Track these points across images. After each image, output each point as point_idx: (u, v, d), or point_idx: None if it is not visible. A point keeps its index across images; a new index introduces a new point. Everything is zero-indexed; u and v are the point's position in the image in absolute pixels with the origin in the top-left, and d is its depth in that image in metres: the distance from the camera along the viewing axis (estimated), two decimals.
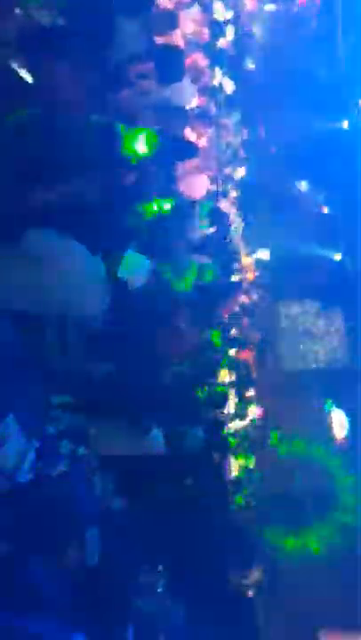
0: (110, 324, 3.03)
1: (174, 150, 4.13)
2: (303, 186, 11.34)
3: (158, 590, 4.20)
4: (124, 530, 3.92)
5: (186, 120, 4.78)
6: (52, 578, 3.16)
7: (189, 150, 4.54)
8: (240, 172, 8.38)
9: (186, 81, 4.67)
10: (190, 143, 4.82)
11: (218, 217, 5.67)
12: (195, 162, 5.07)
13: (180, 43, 4.92)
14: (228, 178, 8.05)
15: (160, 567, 4.26)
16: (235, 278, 6.98)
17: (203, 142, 5.80)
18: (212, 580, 4.89)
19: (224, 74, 7.44)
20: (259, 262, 9.16)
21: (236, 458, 6.60)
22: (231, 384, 7.17)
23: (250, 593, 5.66)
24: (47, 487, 3.04)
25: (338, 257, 9.90)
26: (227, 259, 6.72)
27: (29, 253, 2.79)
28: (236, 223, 8.14)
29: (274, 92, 10.22)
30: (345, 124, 11.15)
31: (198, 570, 4.74)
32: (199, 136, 5.66)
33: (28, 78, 2.94)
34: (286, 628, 6.42)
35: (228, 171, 7.96)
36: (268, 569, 6.18)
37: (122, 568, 3.80)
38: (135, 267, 3.04)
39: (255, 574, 5.70)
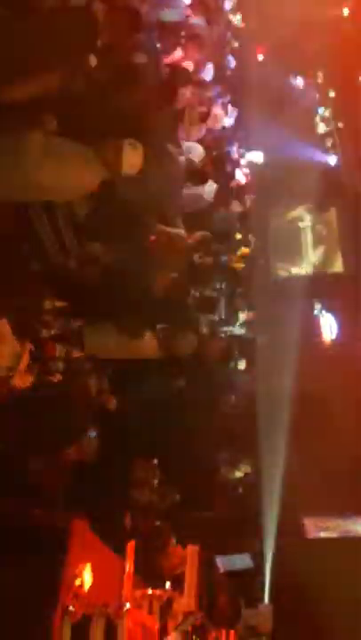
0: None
1: None
2: (299, 82, 10.76)
3: (154, 482, 4.45)
4: (120, 427, 4.07)
5: None
6: (53, 474, 3.33)
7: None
8: (232, 65, 7.86)
9: None
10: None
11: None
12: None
13: None
14: (220, 74, 7.56)
15: (155, 461, 4.48)
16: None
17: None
18: (204, 472, 5.18)
19: None
20: (252, 165, 8.84)
21: (228, 361, 6.73)
22: (221, 291, 7.19)
23: (240, 487, 6.02)
24: (44, 389, 3.11)
25: (333, 159, 9.59)
26: (219, 160, 6.50)
27: (15, 144, 2.66)
28: (228, 123, 7.76)
29: None
30: (345, 12, 10.41)
31: (191, 464, 5.01)
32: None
33: None
34: (273, 515, 6.89)
35: (219, 65, 7.46)
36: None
37: (118, 463, 4.00)
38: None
39: (244, 468, 6.05)
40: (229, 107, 6.71)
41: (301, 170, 9.25)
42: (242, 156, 8.54)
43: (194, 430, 5.14)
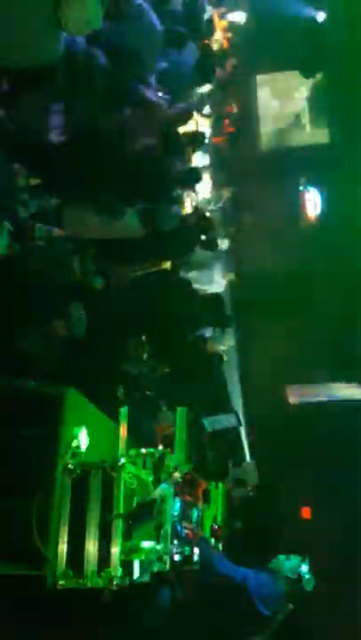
0: None
1: None
2: None
3: (143, 356, 4.64)
4: (108, 305, 4.15)
5: None
6: (43, 347, 3.43)
7: None
8: None
9: None
10: None
11: None
12: None
13: None
14: None
15: (143, 337, 4.63)
16: None
17: None
18: (190, 345, 5.40)
19: None
20: (233, 26, 8.15)
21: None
22: (204, 168, 6.98)
23: (225, 357, 6.31)
24: (26, 263, 3.11)
25: (321, 16, 8.79)
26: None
27: None
28: None
29: None
30: None
31: (177, 339, 5.20)
32: None
33: None
34: (256, 384, 7.29)
35: None
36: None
37: (108, 338, 4.12)
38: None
39: (227, 341, 6.31)
40: None
41: (287, 30, 8.52)
42: (222, 16, 7.85)
43: (179, 308, 5.27)
